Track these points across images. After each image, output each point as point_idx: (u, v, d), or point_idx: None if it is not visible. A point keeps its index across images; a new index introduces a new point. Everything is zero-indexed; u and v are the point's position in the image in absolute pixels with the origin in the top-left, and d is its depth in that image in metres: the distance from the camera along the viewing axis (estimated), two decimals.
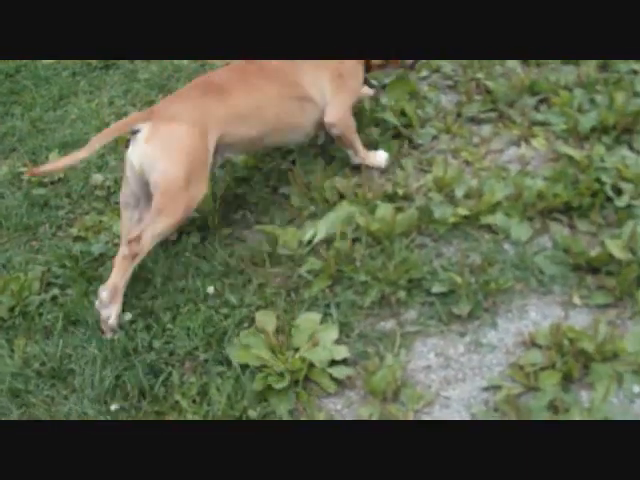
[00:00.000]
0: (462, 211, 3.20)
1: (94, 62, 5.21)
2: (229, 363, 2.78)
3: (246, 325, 2.93)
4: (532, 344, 2.71)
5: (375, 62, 3.62)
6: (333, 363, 2.72)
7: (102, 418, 2.71)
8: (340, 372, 2.70)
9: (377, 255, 3.09)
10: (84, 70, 5.20)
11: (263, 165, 3.76)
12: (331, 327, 2.82)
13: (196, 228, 3.49)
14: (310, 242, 3.20)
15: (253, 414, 2.62)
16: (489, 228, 3.19)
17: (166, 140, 3.03)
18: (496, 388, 2.59)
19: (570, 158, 3.45)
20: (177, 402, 2.71)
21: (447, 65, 4.30)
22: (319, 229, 3.20)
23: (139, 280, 3.20)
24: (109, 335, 2.99)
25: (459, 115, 3.92)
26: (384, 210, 3.21)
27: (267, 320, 2.85)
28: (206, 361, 2.84)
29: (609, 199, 3.22)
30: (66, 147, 4.26)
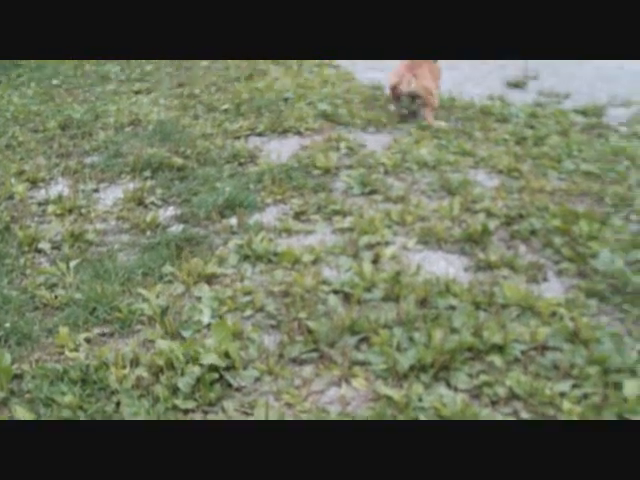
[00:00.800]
0: None
1: None
2: None
3: None
4: None
5: None
6: None
7: None
8: None
9: None
10: None
11: (88, 406, 3.72)
12: None
13: None
14: None
15: None
16: None
17: None
18: None
19: (389, 398, 3.54)
20: None
21: (270, 304, 4.40)
22: None
23: None
24: None
25: (281, 356, 3.97)
26: None
27: None
28: None
29: None
30: None
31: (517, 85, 9.64)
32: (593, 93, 9.35)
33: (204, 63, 10.48)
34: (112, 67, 10.30)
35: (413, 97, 7.85)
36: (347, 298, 4.40)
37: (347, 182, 6.04)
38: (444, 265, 4.83)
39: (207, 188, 5.97)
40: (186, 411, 3.63)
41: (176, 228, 5.42)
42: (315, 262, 4.82)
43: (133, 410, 3.60)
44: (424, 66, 7.74)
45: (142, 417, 3.53)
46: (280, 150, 6.88)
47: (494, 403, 3.54)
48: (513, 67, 10.57)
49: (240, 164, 6.55)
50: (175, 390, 3.73)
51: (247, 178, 6.14)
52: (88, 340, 4.30)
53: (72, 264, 4.95)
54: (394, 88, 7.99)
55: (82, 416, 3.62)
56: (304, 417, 3.50)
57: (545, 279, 4.70)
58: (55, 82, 10.08)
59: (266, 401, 3.56)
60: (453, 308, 4.27)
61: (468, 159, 6.68)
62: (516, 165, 6.47)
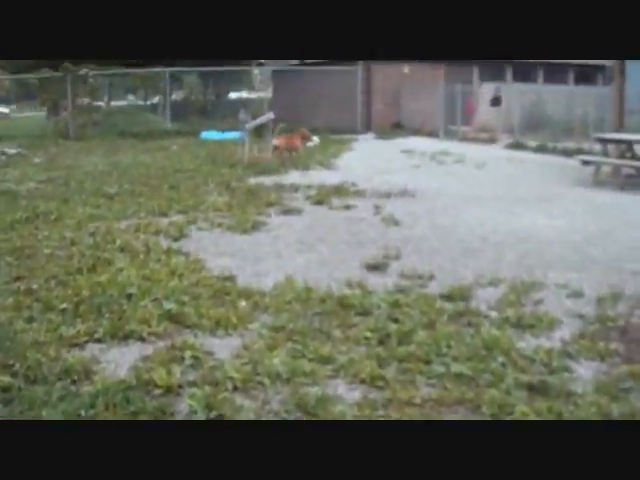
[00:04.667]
0: None
1: None
2: None
3: None
4: None
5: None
6: None
7: None
8: None
9: None
10: None
11: None
12: None
13: None
14: None
15: None
16: None
17: None
18: None
19: None
20: None
21: None
22: None
23: None
24: None
25: None
26: None
27: None
28: None
29: None
30: None
31: (377, 267, 9.18)
32: (457, 271, 9.03)
33: (46, 251, 9.82)
34: None
35: (291, 150, 20.90)
36: None
37: (190, 405, 5.34)
38: None
39: (33, 415, 5.19)
40: None
41: None
42: None
43: None
44: (296, 136, 21.13)
45: None
46: (119, 361, 6.18)
47: None
48: (372, 246, 10.26)
49: (73, 381, 5.76)
50: None
51: (79, 401, 5.37)
52: None
53: None
54: (292, 147, 20.89)
55: None
56: None
57: None
58: None
59: None
60: None
61: (326, 367, 6.03)
62: (380, 372, 5.87)
